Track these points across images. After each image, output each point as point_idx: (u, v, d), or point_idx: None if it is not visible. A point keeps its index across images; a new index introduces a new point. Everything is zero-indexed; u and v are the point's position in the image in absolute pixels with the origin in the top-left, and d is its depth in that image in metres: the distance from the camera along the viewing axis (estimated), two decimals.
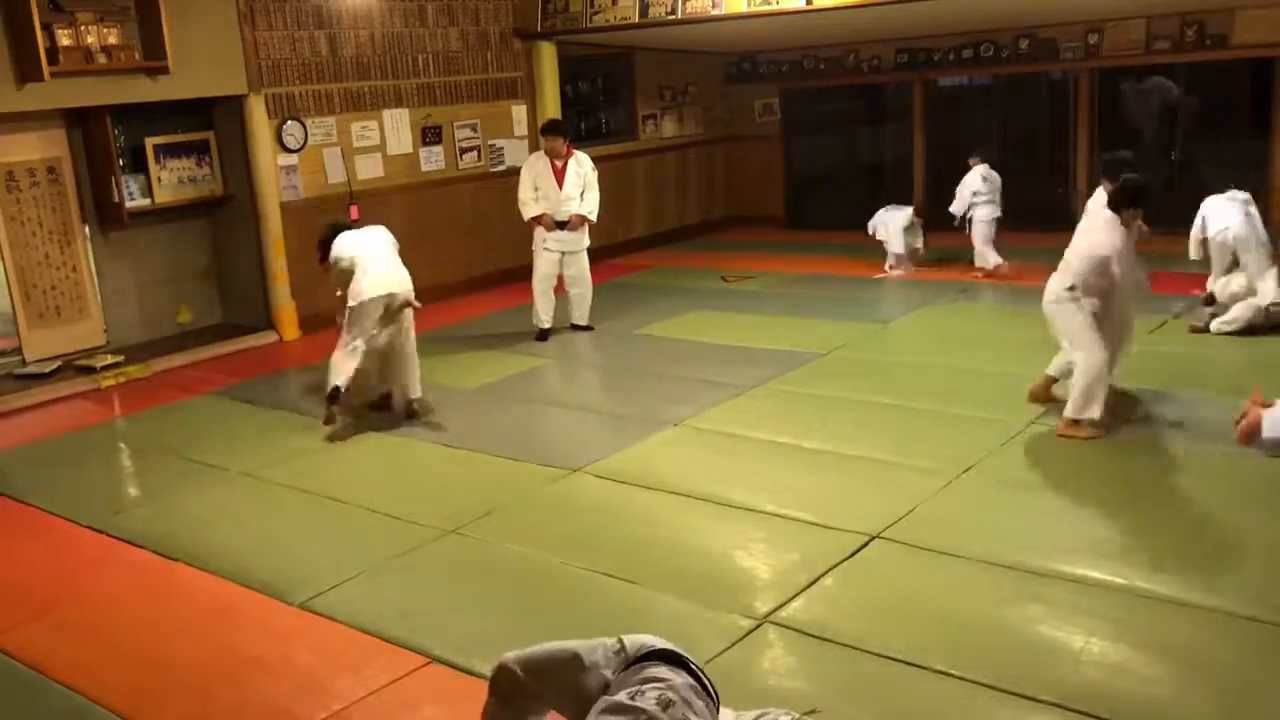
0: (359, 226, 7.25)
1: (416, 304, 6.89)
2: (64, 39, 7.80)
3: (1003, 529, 4.81)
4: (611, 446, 6.13)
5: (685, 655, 2.63)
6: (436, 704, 3.77)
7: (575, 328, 8.88)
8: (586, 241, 8.92)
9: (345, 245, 6.84)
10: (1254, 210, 7.74)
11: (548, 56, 11.24)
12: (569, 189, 8.70)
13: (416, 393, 6.89)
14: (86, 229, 8.80)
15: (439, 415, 6.88)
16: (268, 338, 9.38)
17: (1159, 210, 11.55)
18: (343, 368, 6.62)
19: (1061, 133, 12.15)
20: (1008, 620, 4.06)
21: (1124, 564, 4.39)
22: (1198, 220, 7.93)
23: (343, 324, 6.72)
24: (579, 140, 12.16)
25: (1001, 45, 12.04)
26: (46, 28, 7.64)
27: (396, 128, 10.28)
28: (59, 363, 8.48)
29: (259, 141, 9.13)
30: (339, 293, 6.85)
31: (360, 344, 6.61)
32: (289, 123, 9.42)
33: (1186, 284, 8.91)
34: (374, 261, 6.75)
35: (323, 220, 7.61)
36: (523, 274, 11.44)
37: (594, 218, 8.85)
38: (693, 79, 13.62)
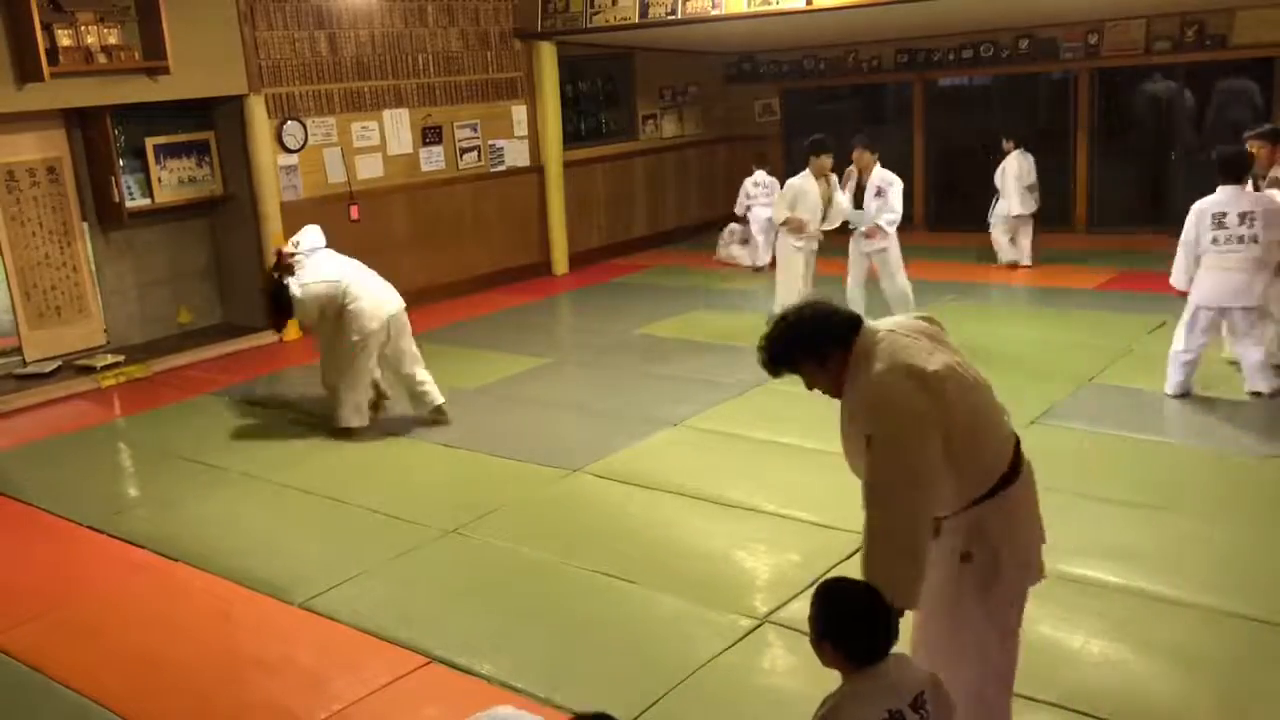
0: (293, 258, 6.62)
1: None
2: (64, 39, 7.80)
3: None
4: (611, 446, 6.13)
5: None
6: (436, 704, 3.77)
7: None
8: None
9: (322, 271, 6.51)
10: None
11: (548, 56, 11.24)
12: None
13: (439, 398, 6.80)
14: (86, 229, 8.80)
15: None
16: (268, 338, 9.37)
17: (1159, 211, 11.69)
18: (363, 407, 6.65)
19: (1061, 133, 12.14)
20: None
21: (1124, 564, 4.39)
22: None
23: (344, 365, 6.51)
24: (579, 140, 12.21)
25: (1001, 45, 12.04)
26: (46, 28, 7.63)
27: (396, 128, 10.28)
28: (59, 363, 8.48)
29: (259, 141, 9.13)
30: (316, 330, 6.68)
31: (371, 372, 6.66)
32: (289, 123, 9.42)
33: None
34: (363, 281, 6.61)
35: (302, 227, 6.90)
36: (522, 274, 11.49)
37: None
38: (693, 79, 13.62)
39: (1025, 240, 10.58)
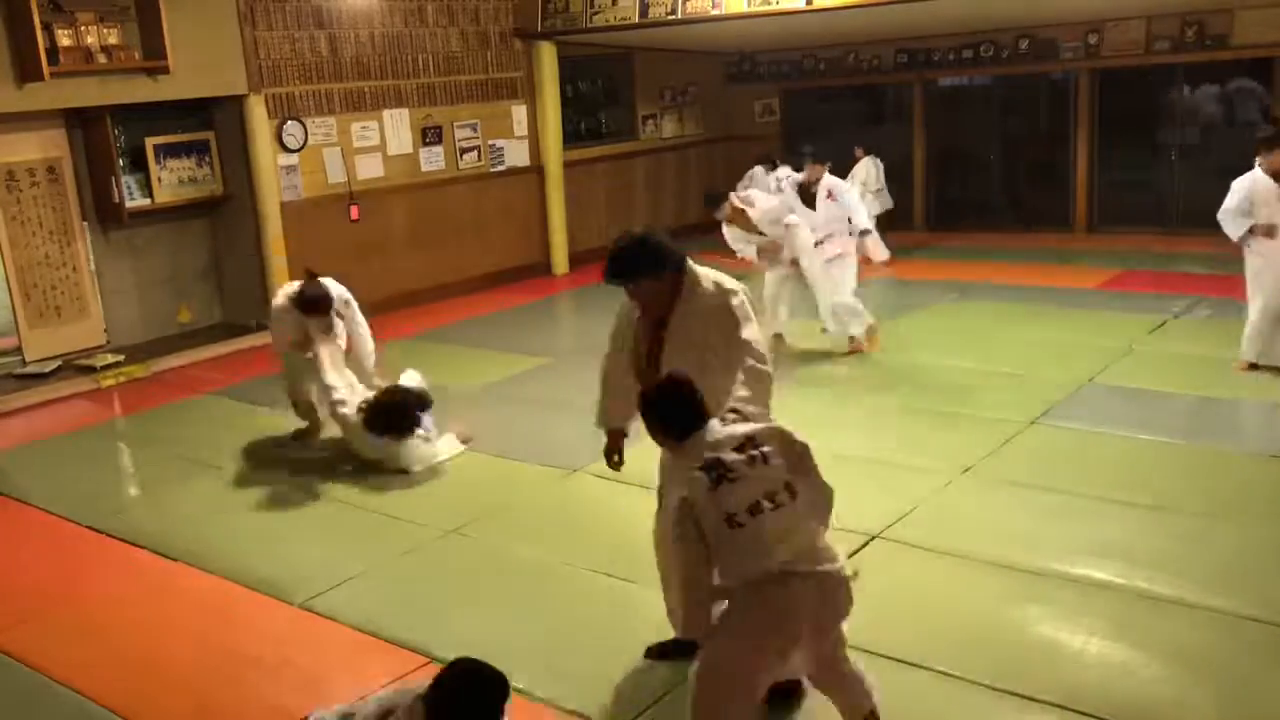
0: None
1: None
2: (64, 39, 7.80)
3: (1003, 529, 4.81)
4: None
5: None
6: None
7: None
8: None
9: None
10: None
11: (548, 56, 11.24)
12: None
13: None
14: (86, 229, 8.80)
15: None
16: (267, 338, 9.33)
17: (1159, 211, 11.70)
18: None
19: (1061, 133, 12.15)
20: (1008, 620, 4.06)
21: (1124, 564, 4.39)
22: None
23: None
24: (579, 140, 12.21)
25: (1001, 45, 12.04)
26: (46, 28, 7.64)
27: (396, 128, 10.28)
28: (59, 363, 8.48)
29: (259, 141, 9.13)
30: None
31: None
32: (289, 123, 9.41)
33: (1184, 283, 8.92)
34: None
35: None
36: (521, 274, 11.49)
37: None
38: (693, 79, 13.63)
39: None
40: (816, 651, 2.98)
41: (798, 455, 3.06)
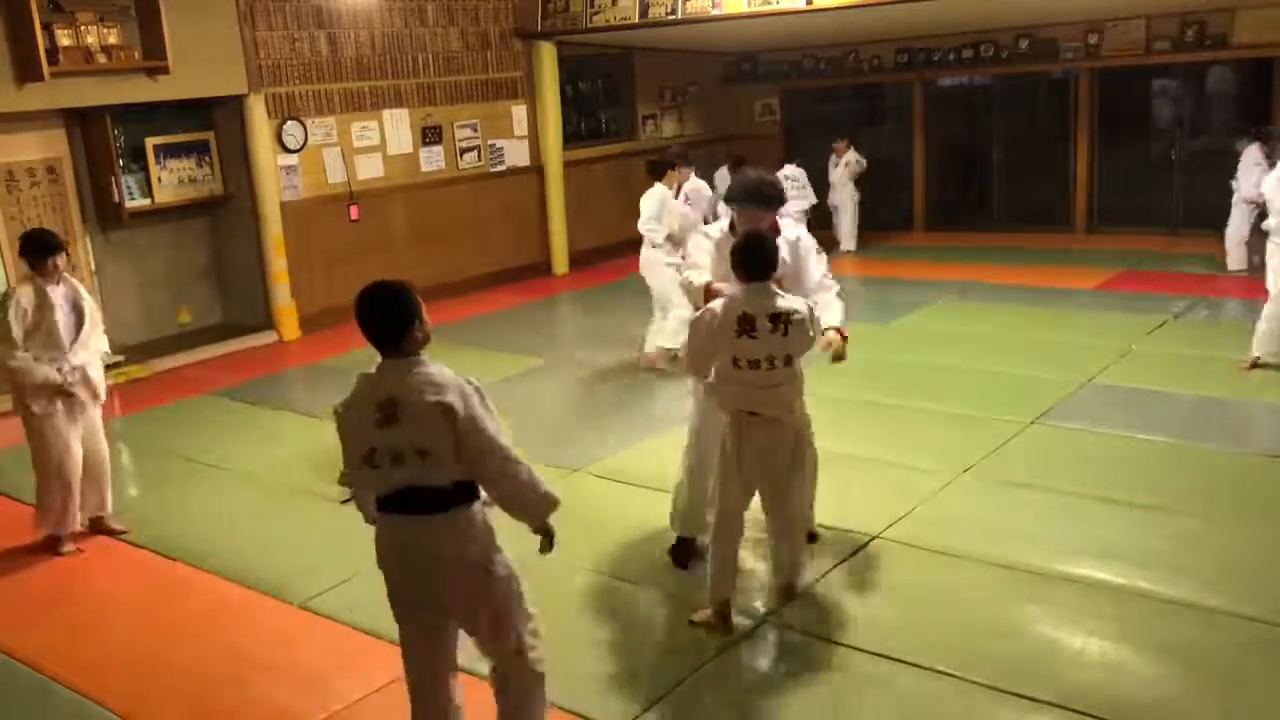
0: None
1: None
2: (64, 39, 7.80)
3: (1003, 529, 4.81)
4: (611, 446, 6.13)
5: None
6: None
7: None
8: None
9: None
10: None
11: (548, 56, 11.24)
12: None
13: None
14: (86, 229, 8.79)
15: None
16: (268, 338, 9.38)
17: (1159, 211, 11.70)
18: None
19: (1061, 133, 12.15)
20: (1008, 620, 4.06)
21: (1124, 564, 4.39)
22: None
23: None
24: (579, 140, 12.21)
25: (1001, 45, 12.04)
26: (46, 28, 7.63)
27: (396, 128, 10.28)
28: None
29: (259, 141, 9.13)
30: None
31: None
32: (289, 123, 9.41)
33: (1184, 283, 8.92)
34: None
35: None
36: (522, 274, 11.49)
37: None
38: (693, 79, 13.62)
39: (854, 226, 12.04)
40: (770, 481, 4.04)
41: (802, 341, 3.86)
